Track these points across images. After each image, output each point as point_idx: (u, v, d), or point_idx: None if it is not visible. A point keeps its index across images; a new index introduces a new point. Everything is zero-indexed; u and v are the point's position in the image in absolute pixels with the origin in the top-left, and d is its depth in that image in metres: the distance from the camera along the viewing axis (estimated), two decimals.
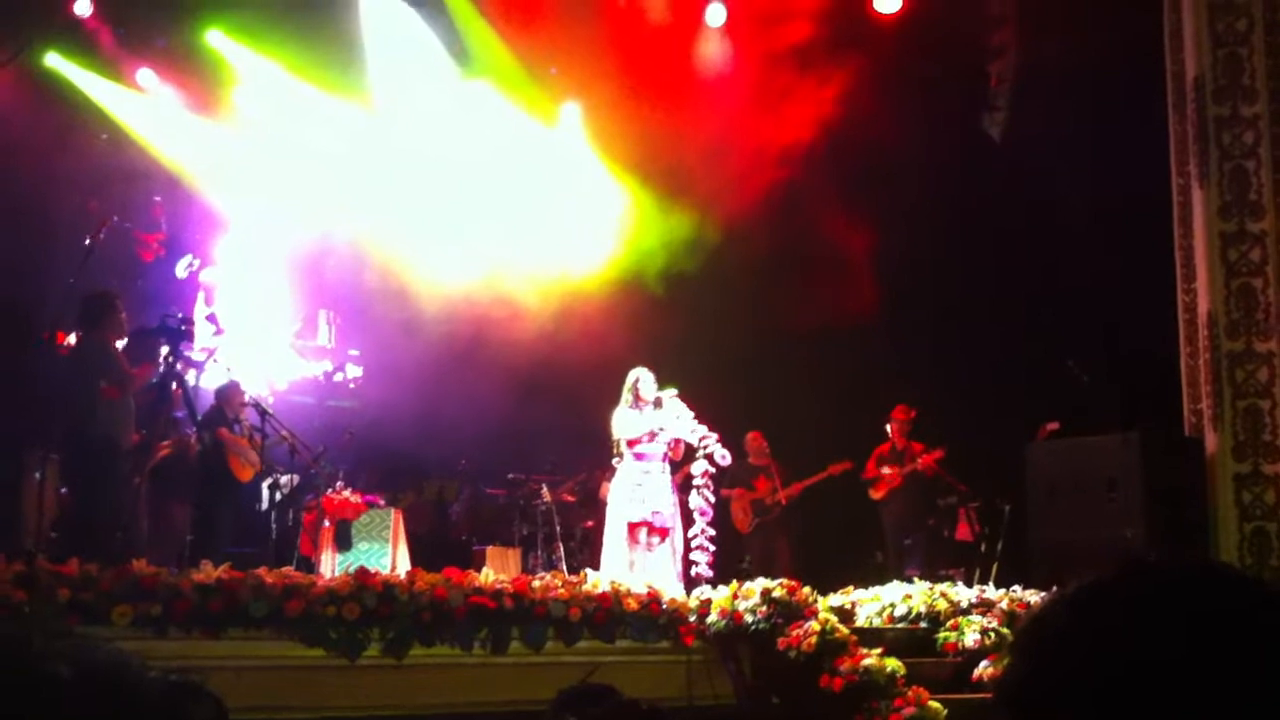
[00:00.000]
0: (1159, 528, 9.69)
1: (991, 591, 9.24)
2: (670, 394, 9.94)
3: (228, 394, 11.06)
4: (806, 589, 8.15)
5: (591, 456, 12.49)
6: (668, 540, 9.64)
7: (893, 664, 7.60)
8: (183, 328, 8.85)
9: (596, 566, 9.57)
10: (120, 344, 9.17)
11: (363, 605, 7.21)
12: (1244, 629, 1.09)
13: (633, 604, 7.90)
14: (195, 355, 11.19)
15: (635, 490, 9.71)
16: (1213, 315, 10.22)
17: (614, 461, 10.04)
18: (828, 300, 13.50)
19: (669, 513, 9.71)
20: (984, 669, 8.18)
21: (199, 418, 10.39)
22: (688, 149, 14.00)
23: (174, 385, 8.99)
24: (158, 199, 12.84)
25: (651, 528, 9.62)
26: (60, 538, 8.96)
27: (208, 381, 11.55)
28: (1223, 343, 10.18)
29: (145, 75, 13.91)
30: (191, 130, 14.17)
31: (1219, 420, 10.10)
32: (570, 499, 13.05)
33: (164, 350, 8.80)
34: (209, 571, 7.13)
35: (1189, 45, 10.56)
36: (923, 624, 8.75)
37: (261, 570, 7.38)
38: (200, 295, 13.43)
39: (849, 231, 13.29)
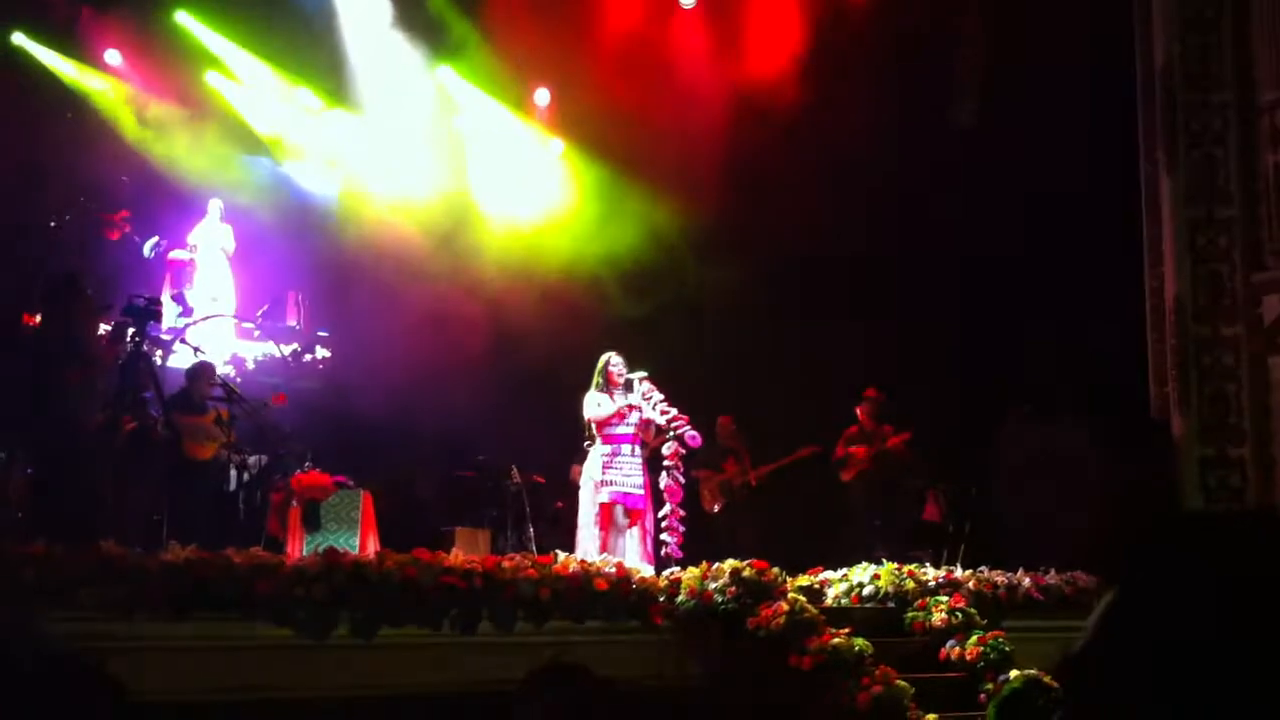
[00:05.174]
0: (1125, 510, 9.77)
1: (958, 572, 9.31)
2: (640, 376, 9.95)
3: (198, 374, 10.96)
4: (775, 569, 8.18)
5: (562, 439, 12.48)
6: (638, 522, 9.67)
7: (861, 643, 7.64)
8: (150, 308, 8.75)
9: (567, 548, 9.58)
10: (102, 329, 9.11)
11: (332, 585, 7.18)
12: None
13: (602, 584, 7.89)
14: (162, 336, 11.11)
15: (606, 472, 9.72)
16: (1180, 300, 10.30)
17: (585, 444, 10.04)
18: (799, 283, 13.52)
19: (639, 494, 9.72)
20: (950, 648, 8.25)
21: (165, 399, 10.31)
22: (656, 133, 13.98)
23: (140, 366, 8.92)
24: (124, 178, 12.73)
25: (623, 509, 9.64)
26: (26, 519, 8.89)
27: (175, 362, 11.47)
28: (1189, 327, 10.26)
29: (113, 55, 13.80)
30: (160, 111, 14.05)
31: (1185, 404, 10.19)
32: (540, 480, 13.03)
33: (130, 331, 8.72)
34: (177, 552, 7.09)
35: (1158, 32, 10.62)
36: (890, 604, 8.81)
37: (229, 551, 7.33)
38: (167, 276, 13.33)
39: (818, 216, 13.29)
